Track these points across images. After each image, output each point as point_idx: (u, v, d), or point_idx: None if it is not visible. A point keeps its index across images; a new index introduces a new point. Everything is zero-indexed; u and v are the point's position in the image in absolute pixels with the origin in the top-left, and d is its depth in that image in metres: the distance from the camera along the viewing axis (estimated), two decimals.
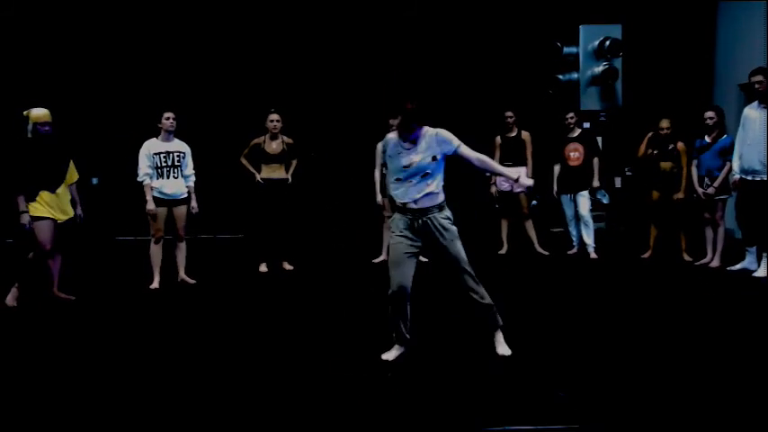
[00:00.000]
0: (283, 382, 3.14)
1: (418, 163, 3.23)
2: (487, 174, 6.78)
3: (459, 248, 3.31)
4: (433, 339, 3.76)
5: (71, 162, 4.96)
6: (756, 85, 5.12)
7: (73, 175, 4.97)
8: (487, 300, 3.38)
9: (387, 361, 3.36)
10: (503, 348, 3.43)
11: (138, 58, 7.92)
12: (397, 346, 3.41)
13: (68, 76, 7.81)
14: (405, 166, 3.24)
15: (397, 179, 3.28)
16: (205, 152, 6.05)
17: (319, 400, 2.90)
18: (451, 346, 3.64)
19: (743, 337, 3.74)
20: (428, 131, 3.28)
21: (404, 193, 3.27)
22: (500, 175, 3.54)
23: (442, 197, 3.32)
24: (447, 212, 3.33)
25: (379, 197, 6.08)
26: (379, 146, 6.10)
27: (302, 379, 3.17)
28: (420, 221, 3.27)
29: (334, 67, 8.04)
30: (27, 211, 4.61)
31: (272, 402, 2.90)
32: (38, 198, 4.68)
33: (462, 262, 3.31)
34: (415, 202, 3.25)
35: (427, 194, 3.26)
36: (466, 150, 3.30)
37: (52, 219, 4.71)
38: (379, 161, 6.07)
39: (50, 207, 4.72)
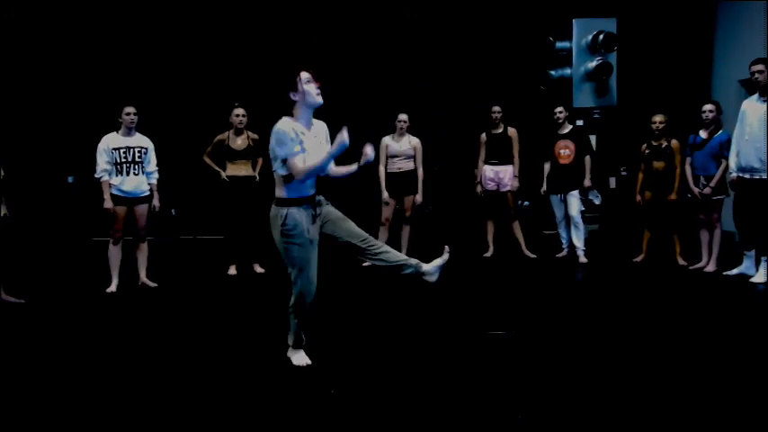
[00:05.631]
0: (239, 396, 2.83)
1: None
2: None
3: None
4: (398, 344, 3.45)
5: None
6: (756, 76, 4.78)
7: None
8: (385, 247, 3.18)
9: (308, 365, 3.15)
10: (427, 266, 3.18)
11: (113, 56, 7.67)
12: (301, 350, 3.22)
13: (45, 73, 7.58)
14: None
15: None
16: (170, 148, 5.76)
17: (280, 409, 2.60)
18: (430, 355, 3.32)
19: (739, 346, 3.44)
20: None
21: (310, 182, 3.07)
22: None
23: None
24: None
25: (385, 194, 5.88)
26: (384, 140, 5.87)
27: (263, 390, 2.86)
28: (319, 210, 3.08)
29: (321, 57, 7.76)
30: None
31: (225, 415, 2.60)
32: None
33: (358, 236, 3.14)
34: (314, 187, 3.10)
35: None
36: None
37: None
38: (383, 156, 5.87)
39: None
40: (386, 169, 5.91)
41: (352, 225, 3.14)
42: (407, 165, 5.90)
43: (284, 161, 2.94)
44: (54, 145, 7.66)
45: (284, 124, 2.95)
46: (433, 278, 3.14)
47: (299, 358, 3.20)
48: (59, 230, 7.63)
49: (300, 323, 3.18)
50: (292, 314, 3.16)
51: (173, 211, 7.08)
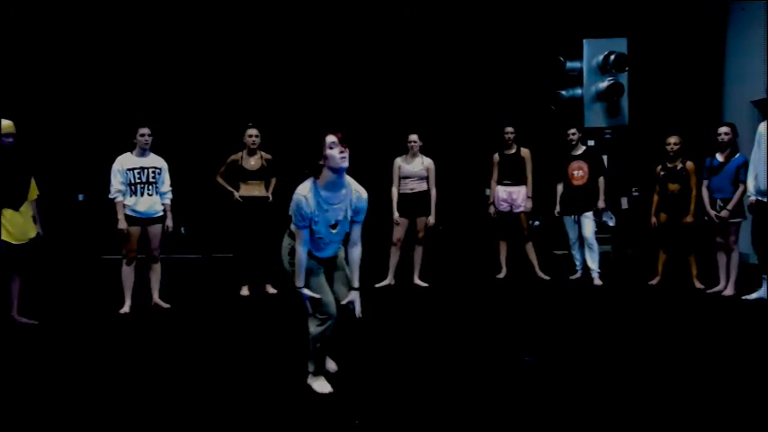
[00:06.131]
0: (261, 424, 2.78)
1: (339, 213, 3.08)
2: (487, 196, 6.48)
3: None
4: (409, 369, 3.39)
5: (32, 178, 4.66)
6: None
7: (34, 191, 4.67)
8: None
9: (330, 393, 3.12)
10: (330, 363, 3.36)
11: (125, 72, 7.73)
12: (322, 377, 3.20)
13: (56, 87, 7.63)
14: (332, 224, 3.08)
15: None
16: (184, 168, 5.76)
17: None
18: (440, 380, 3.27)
19: (759, 374, 3.35)
20: (352, 184, 3.12)
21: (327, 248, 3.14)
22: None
23: None
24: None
25: (396, 215, 5.87)
26: (397, 161, 5.86)
27: (285, 419, 2.81)
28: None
29: (336, 77, 7.80)
30: None
31: None
32: (0, 217, 4.36)
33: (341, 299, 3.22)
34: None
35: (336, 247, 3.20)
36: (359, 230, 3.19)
37: (11, 243, 4.40)
38: (396, 178, 5.88)
39: (12, 227, 4.40)
40: (398, 190, 5.90)
41: (340, 290, 3.19)
42: (420, 185, 5.88)
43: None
44: (65, 163, 7.68)
45: (303, 192, 2.98)
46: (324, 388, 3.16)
47: (321, 386, 3.15)
48: (70, 248, 7.62)
49: (322, 350, 3.13)
50: (311, 341, 3.12)
51: (182, 229, 7.08)
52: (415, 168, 5.87)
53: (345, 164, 2.96)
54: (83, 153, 7.82)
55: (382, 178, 5.94)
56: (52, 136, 7.55)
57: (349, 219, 3.10)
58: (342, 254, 3.25)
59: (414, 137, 5.86)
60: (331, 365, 3.40)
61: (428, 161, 5.92)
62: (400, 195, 5.89)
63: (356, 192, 3.09)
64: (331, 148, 2.94)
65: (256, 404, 3.04)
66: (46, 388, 3.29)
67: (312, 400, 3.06)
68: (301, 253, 3.02)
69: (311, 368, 3.18)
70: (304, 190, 2.98)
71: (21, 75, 7.42)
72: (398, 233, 5.92)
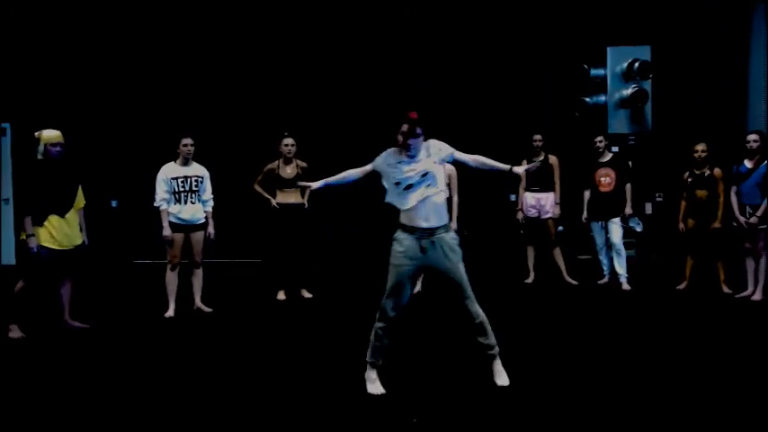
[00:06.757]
0: (297, 414, 2.93)
1: (421, 172, 3.18)
2: (512, 197, 6.59)
3: (462, 271, 3.26)
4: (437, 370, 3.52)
5: (80, 187, 4.82)
6: None
7: (81, 200, 4.82)
8: (482, 319, 3.29)
9: (381, 395, 3.23)
10: (501, 379, 3.32)
11: (159, 81, 7.95)
12: (375, 372, 3.31)
13: (91, 99, 7.85)
14: (408, 177, 3.18)
15: (404, 189, 3.19)
16: (223, 175, 5.93)
17: None
18: (462, 381, 3.40)
19: None
20: (424, 142, 3.27)
21: (414, 212, 3.18)
22: (495, 169, 3.39)
23: (447, 216, 3.29)
24: (453, 233, 3.30)
25: None
26: None
27: (317, 412, 2.96)
28: (428, 241, 3.18)
29: (356, 88, 7.96)
30: (34, 235, 4.47)
31: None
32: (45, 223, 4.53)
33: (465, 285, 3.26)
34: (426, 219, 3.18)
35: (435, 210, 3.19)
36: (460, 155, 3.32)
37: (54, 249, 4.56)
38: None
39: (57, 233, 4.57)
40: None
41: (458, 274, 3.23)
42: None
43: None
44: (99, 170, 7.88)
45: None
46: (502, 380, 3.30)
47: (374, 387, 3.27)
48: (104, 254, 7.83)
49: (377, 342, 3.27)
50: (373, 330, 3.28)
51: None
52: None
53: (409, 152, 3.18)
54: (116, 160, 8.04)
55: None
56: (87, 144, 7.76)
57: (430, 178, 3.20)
58: (451, 242, 3.26)
59: None
60: (500, 379, 3.34)
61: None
62: None
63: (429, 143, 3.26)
64: (401, 134, 3.17)
65: (309, 405, 3.17)
66: (106, 387, 3.45)
67: (353, 401, 3.17)
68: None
69: (368, 356, 3.31)
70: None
71: (58, 82, 7.66)
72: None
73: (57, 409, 3.15)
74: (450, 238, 3.24)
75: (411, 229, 3.20)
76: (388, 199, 3.28)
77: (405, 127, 3.16)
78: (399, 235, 3.24)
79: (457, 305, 3.29)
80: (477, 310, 3.28)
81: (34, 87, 7.55)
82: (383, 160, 3.27)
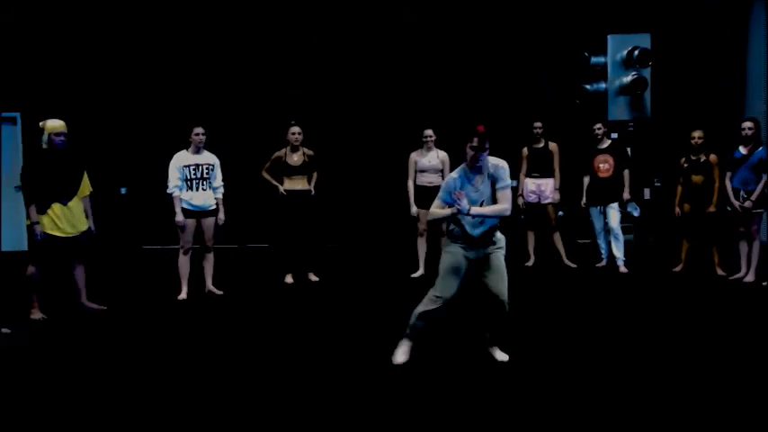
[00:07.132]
0: (305, 395, 3.13)
1: (484, 193, 3.36)
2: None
3: (505, 284, 3.49)
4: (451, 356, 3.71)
5: (85, 175, 4.96)
6: None
7: (86, 188, 4.96)
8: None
9: (399, 365, 3.46)
10: (500, 354, 3.59)
11: (167, 71, 8.06)
12: (406, 341, 3.52)
13: (100, 85, 7.97)
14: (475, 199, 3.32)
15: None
16: (232, 161, 6.10)
17: (339, 415, 2.88)
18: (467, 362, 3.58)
19: None
20: (490, 159, 3.38)
21: (471, 227, 3.38)
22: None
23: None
24: (501, 242, 3.51)
25: (414, 209, 6.10)
26: (413, 156, 6.13)
27: (324, 393, 3.16)
28: (479, 253, 3.43)
29: (360, 76, 8.07)
30: (39, 222, 4.63)
31: (292, 415, 2.89)
32: (49, 211, 4.67)
33: (502, 296, 3.47)
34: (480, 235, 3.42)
35: (488, 227, 3.40)
36: (503, 193, 3.37)
37: (59, 236, 4.71)
38: (412, 171, 6.11)
39: (59, 221, 4.71)
40: (416, 183, 6.13)
41: (499, 285, 3.45)
42: (437, 178, 6.05)
43: None
44: (108, 158, 8.04)
45: (455, 172, 3.41)
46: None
47: (400, 353, 3.52)
48: (114, 239, 8.01)
49: (419, 321, 3.48)
50: (415, 312, 3.49)
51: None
52: (431, 162, 6.07)
53: (474, 165, 3.32)
54: (125, 148, 8.19)
55: (393, 174, 6.16)
56: (96, 132, 7.90)
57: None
58: (500, 257, 3.50)
59: (429, 131, 6.08)
60: (500, 355, 3.61)
61: (443, 154, 6.13)
62: (418, 188, 6.09)
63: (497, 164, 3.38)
64: (469, 148, 3.30)
65: (303, 381, 3.37)
66: (119, 366, 3.66)
67: (365, 384, 3.34)
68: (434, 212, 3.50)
69: (408, 329, 3.53)
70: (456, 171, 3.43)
71: (68, 71, 7.78)
72: (421, 224, 6.15)
73: (77, 387, 3.35)
74: (498, 248, 3.53)
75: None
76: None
77: (474, 141, 3.26)
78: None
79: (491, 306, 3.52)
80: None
81: (44, 77, 7.68)
82: (454, 185, 3.34)
